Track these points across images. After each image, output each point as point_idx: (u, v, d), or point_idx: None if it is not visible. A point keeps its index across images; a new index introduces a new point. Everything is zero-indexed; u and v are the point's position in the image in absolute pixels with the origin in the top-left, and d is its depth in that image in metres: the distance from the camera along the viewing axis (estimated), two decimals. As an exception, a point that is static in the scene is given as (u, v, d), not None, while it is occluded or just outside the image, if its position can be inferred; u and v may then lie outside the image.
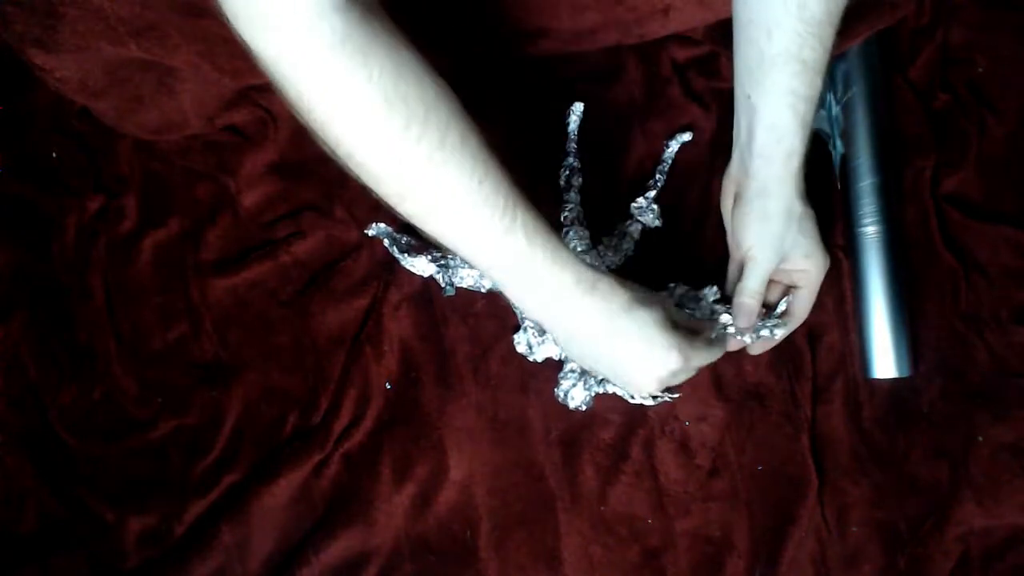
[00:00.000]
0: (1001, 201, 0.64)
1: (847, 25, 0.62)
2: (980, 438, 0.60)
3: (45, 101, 0.68)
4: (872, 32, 0.62)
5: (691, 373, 0.54)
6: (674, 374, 0.51)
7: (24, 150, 0.69)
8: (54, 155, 0.69)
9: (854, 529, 0.60)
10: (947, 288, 0.62)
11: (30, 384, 0.66)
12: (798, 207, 0.54)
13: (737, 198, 0.56)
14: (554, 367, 0.63)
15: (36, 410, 0.66)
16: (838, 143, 0.63)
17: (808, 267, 0.56)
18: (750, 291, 0.56)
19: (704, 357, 0.54)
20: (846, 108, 0.62)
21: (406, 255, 0.62)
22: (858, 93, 0.62)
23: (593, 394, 0.60)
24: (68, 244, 0.68)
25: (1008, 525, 0.59)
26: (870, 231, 0.61)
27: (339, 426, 0.63)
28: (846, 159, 0.62)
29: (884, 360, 0.60)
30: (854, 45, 0.62)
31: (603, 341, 0.51)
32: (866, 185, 0.61)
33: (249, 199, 0.67)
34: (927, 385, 0.61)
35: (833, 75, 0.63)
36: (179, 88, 0.63)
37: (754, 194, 0.55)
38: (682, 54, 0.66)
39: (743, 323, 0.56)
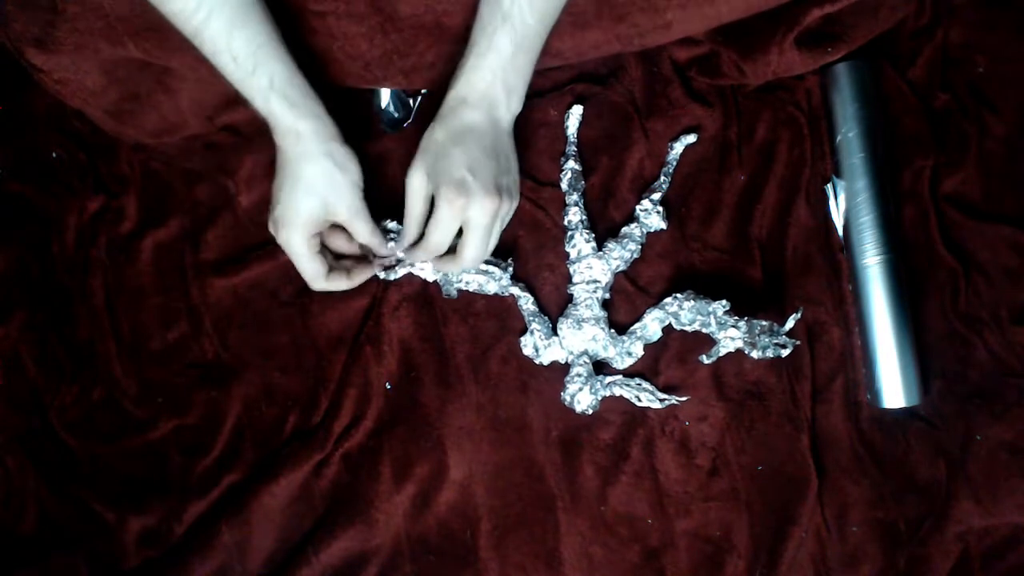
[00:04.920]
0: (1001, 201, 0.64)
1: (847, 29, 0.62)
2: (979, 437, 0.60)
3: (45, 101, 0.68)
4: (871, 35, 0.62)
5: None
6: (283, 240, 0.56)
7: (24, 150, 0.69)
8: (54, 155, 0.69)
9: (854, 529, 0.60)
10: (947, 288, 0.62)
11: (30, 384, 0.66)
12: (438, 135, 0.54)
13: None
14: (554, 368, 0.63)
15: (36, 410, 0.66)
16: (836, 180, 0.63)
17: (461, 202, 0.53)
18: (407, 217, 0.57)
19: (325, 283, 0.58)
20: (842, 146, 0.63)
21: (411, 263, 0.62)
22: (853, 130, 0.62)
23: (600, 397, 0.60)
24: (68, 244, 0.68)
25: (1007, 524, 0.59)
26: (872, 263, 0.61)
27: (339, 426, 0.63)
28: (845, 196, 0.63)
29: (894, 391, 0.60)
30: (848, 81, 0.62)
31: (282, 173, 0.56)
32: (866, 220, 0.61)
33: (248, 199, 0.67)
34: (927, 385, 0.62)
35: (829, 112, 0.64)
36: (177, 87, 0.63)
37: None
38: (683, 54, 0.66)
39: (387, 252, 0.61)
